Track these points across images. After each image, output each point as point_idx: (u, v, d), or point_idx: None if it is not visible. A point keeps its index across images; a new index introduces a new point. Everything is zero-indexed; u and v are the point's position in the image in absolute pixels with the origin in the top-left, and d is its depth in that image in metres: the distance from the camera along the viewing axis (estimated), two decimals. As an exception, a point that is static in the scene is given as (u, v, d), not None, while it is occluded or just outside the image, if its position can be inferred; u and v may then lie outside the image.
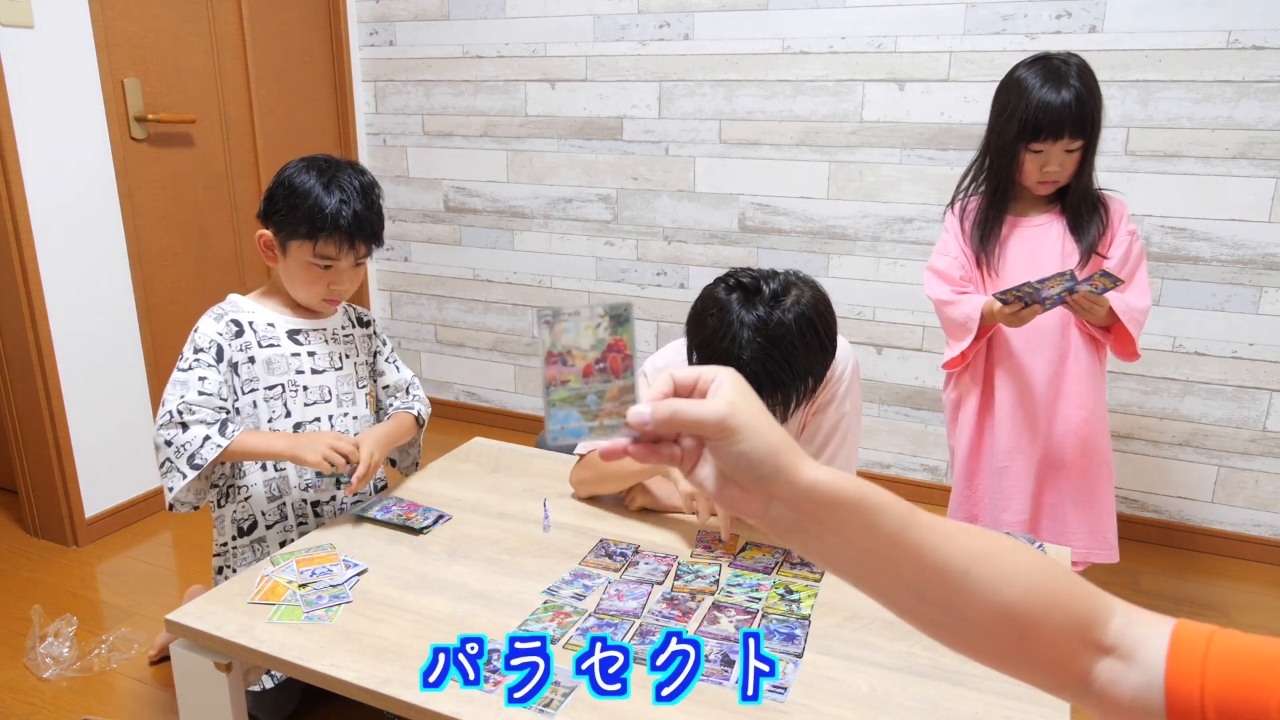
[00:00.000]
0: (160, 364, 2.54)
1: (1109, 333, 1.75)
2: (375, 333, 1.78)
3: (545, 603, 1.29)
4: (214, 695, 1.25)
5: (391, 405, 1.78)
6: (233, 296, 1.63)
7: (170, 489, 1.48)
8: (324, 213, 1.50)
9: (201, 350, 1.53)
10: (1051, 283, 1.58)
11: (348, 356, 1.69)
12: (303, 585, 1.32)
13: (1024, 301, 1.63)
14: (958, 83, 2.39)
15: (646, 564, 1.40)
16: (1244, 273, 2.24)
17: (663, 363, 1.54)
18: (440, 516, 1.54)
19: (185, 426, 1.47)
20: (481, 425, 3.24)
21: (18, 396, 2.31)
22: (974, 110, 2.38)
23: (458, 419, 3.36)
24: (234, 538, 1.62)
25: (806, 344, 1.26)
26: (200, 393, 1.49)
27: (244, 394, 1.57)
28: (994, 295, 1.68)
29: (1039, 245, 1.77)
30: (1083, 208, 1.74)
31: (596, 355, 0.60)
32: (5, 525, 2.49)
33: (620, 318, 0.61)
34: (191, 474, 1.46)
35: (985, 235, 1.80)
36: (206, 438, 1.46)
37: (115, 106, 2.34)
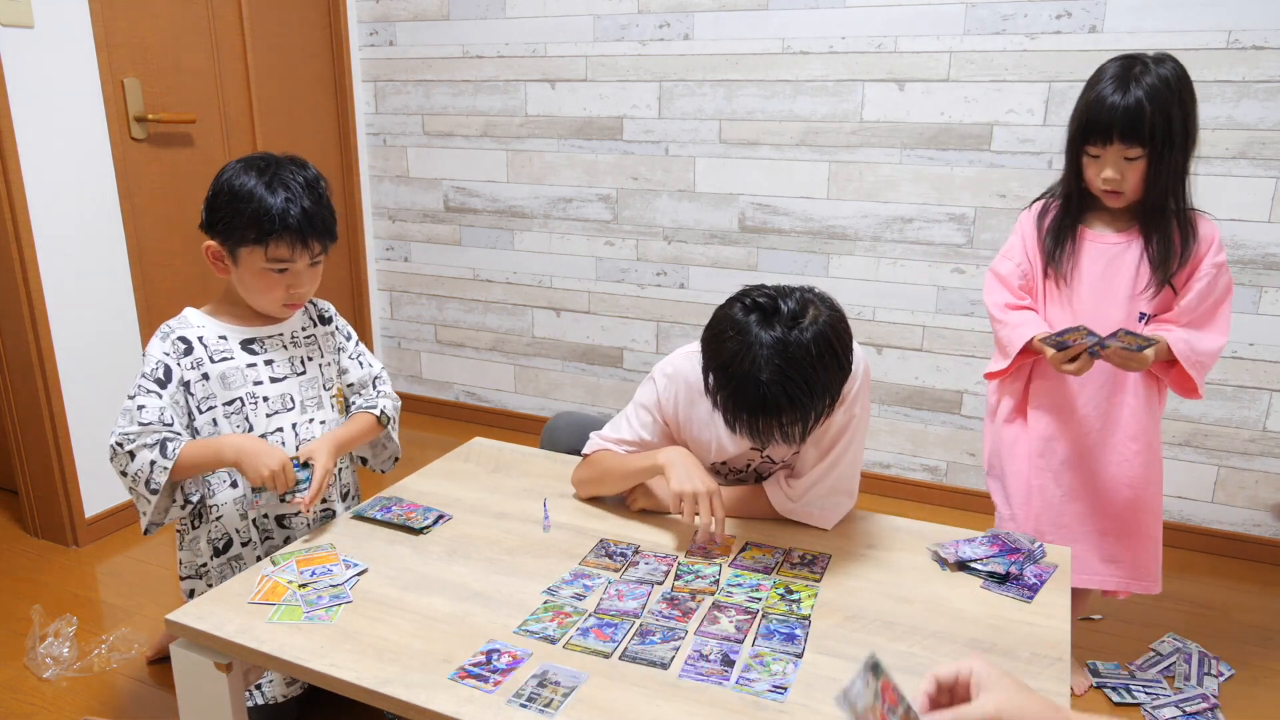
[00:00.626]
0: (160, 364, 2.54)
1: (1170, 367, 1.62)
2: (338, 328, 1.71)
3: (545, 603, 1.29)
4: (214, 695, 1.25)
5: (354, 404, 1.71)
6: (186, 311, 1.55)
7: (143, 513, 1.46)
8: (271, 214, 1.43)
9: (145, 375, 1.47)
10: (1072, 335, 1.51)
11: (310, 359, 1.62)
12: (303, 585, 1.32)
13: (1059, 347, 1.54)
14: (958, 83, 2.39)
15: (646, 564, 1.40)
16: (1244, 273, 2.24)
17: (672, 370, 1.53)
18: (440, 516, 1.54)
19: (132, 455, 1.42)
20: (481, 425, 3.24)
21: (18, 396, 2.31)
22: (974, 110, 2.39)
23: (458, 419, 3.36)
24: (211, 557, 1.58)
25: (825, 364, 1.25)
26: (139, 423, 1.43)
27: (201, 412, 1.51)
28: (1035, 339, 1.60)
29: (1112, 266, 1.63)
30: (1156, 229, 1.58)
31: (879, 701, 0.79)
32: (5, 525, 2.49)
33: (876, 667, 0.81)
34: (154, 498, 1.43)
35: (1057, 244, 1.66)
36: (152, 462, 1.42)
37: (115, 106, 2.34)
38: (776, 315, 1.25)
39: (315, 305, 1.69)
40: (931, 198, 2.49)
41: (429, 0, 3.00)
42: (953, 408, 2.61)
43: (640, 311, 2.95)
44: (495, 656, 1.15)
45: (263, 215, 1.43)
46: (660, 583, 1.35)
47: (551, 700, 1.07)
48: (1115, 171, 1.54)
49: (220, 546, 1.57)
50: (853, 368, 1.37)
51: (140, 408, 1.44)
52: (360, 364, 1.73)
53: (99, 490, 2.41)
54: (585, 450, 1.60)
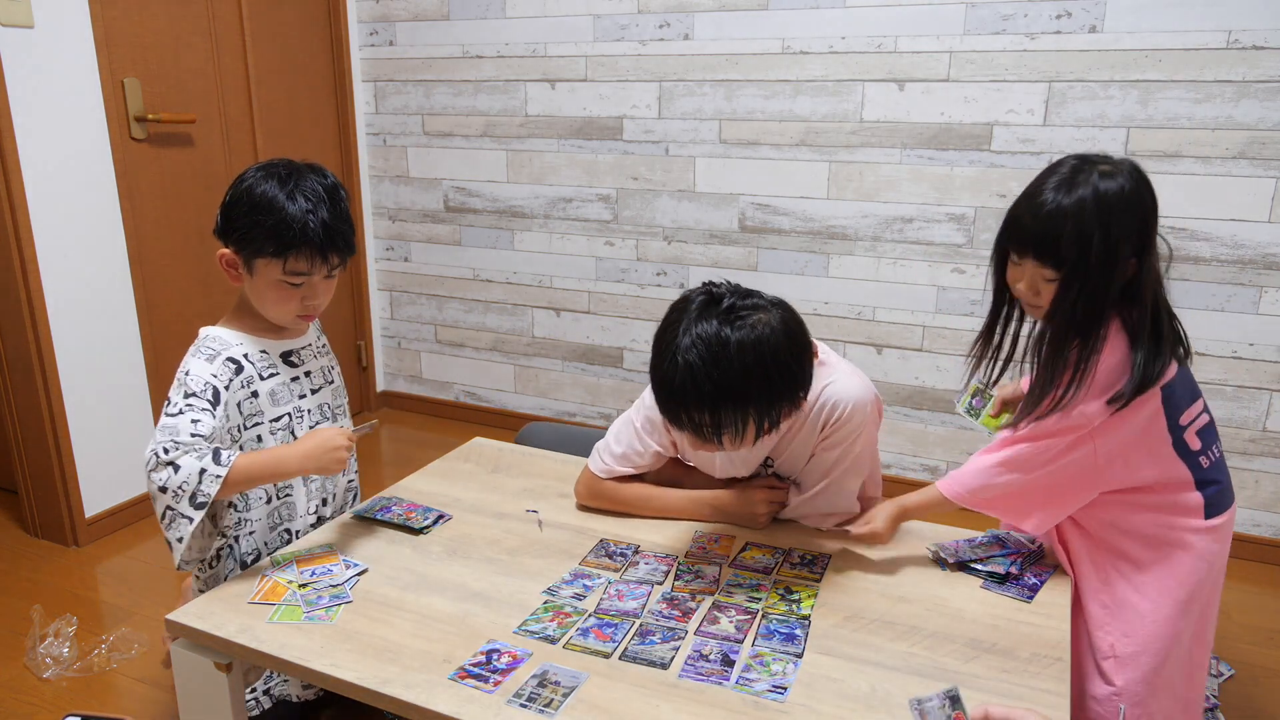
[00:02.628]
0: (160, 364, 2.54)
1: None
2: (334, 361, 1.68)
3: (545, 603, 1.29)
4: (214, 695, 1.25)
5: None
6: (208, 331, 1.47)
7: (179, 539, 1.31)
8: (291, 227, 1.37)
9: (194, 394, 1.36)
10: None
11: (334, 368, 1.62)
12: (303, 585, 1.32)
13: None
14: (958, 83, 2.39)
15: (646, 564, 1.40)
16: (1244, 273, 2.24)
17: (650, 399, 1.48)
18: (440, 516, 1.54)
19: (176, 466, 1.29)
20: (481, 425, 3.24)
21: (18, 396, 2.31)
22: (974, 110, 2.39)
23: (458, 419, 3.36)
24: (237, 569, 1.52)
25: (748, 371, 1.18)
26: (192, 434, 1.32)
27: (246, 429, 1.44)
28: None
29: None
30: (1043, 359, 1.30)
31: None
32: (5, 525, 2.49)
33: (956, 700, 0.90)
34: (198, 515, 1.30)
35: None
36: (203, 470, 1.29)
37: (115, 106, 2.34)
38: (718, 306, 1.22)
39: (322, 333, 1.68)
40: (931, 198, 2.49)
41: (429, 0, 3.00)
42: (952, 408, 2.61)
43: (640, 311, 2.95)
44: (495, 656, 1.15)
45: (283, 227, 1.37)
46: (660, 583, 1.35)
47: (551, 700, 1.07)
48: (1028, 287, 1.31)
49: (248, 560, 1.50)
50: (840, 403, 1.36)
51: (195, 420, 1.34)
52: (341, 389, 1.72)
53: (99, 490, 2.41)
54: (594, 468, 1.56)
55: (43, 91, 2.18)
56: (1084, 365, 1.25)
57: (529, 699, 1.07)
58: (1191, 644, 1.37)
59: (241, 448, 1.43)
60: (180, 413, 1.34)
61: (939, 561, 1.41)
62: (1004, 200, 2.41)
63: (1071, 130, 2.31)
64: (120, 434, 2.45)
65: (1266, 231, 2.20)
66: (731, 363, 1.18)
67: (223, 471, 1.30)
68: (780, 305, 1.26)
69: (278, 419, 1.48)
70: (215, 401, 1.37)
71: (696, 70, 2.68)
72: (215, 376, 1.39)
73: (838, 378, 1.39)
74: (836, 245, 2.63)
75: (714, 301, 1.23)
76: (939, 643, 1.20)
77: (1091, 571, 1.37)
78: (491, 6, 2.90)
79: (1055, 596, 1.31)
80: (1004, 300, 1.40)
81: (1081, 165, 1.26)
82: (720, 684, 1.11)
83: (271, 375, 1.47)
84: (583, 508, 1.59)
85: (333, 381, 1.60)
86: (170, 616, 1.24)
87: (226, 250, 1.45)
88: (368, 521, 1.53)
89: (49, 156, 2.21)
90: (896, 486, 2.73)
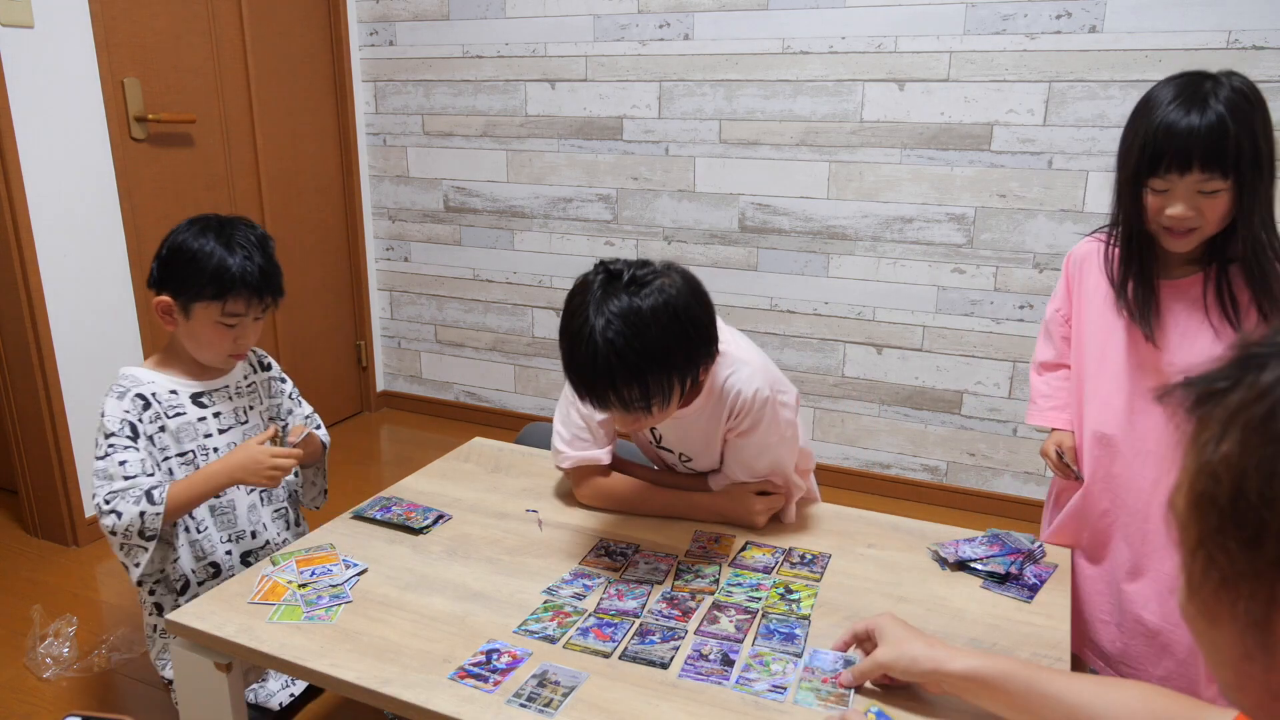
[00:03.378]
0: (160, 364, 2.54)
1: None
2: (274, 375, 1.78)
3: (545, 603, 1.29)
4: (214, 695, 1.25)
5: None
6: (126, 370, 1.59)
7: (137, 565, 1.48)
8: (230, 272, 1.50)
9: (113, 434, 1.51)
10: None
11: (251, 408, 1.69)
12: (303, 585, 1.32)
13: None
14: (958, 83, 2.39)
15: (646, 564, 1.40)
16: (1244, 273, 2.24)
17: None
18: (440, 516, 1.54)
19: (118, 514, 1.46)
20: (481, 425, 3.24)
21: (18, 396, 2.31)
22: (974, 110, 2.39)
23: (458, 419, 3.36)
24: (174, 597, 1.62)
25: (666, 333, 1.21)
26: (124, 477, 1.48)
27: (165, 458, 1.57)
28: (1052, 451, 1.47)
29: (1194, 309, 1.36)
30: (1248, 267, 1.30)
31: None
32: (5, 525, 2.49)
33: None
34: (151, 545, 1.47)
35: (1138, 300, 1.39)
36: (142, 513, 1.45)
37: (115, 106, 2.34)
38: (620, 280, 1.24)
39: (255, 353, 1.76)
40: (931, 198, 2.49)
41: (429, 0, 3.00)
42: (953, 408, 2.61)
43: (640, 311, 2.95)
44: (495, 656, 1.15)
45: (223, 273, 1.50)
46: (660, 582, 1.34)
47: (551, 700, 1.07)
48: (1188, 207, 1.26)
49: (179, 588, 1.61)
50: (743, 392, 1.36)
51: (122, 463, 1.49)
52: (299, 403, 1.80)
53: (99, 490, 2.41)
54: (559, 464, 1.57)
55: (43, 91, 2.18)
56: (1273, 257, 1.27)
57: (529, 699, 1.07)
58: None
59: (170, 472, 1.56)
60: (106, 455, 1.50)
61: (939, 561, 1.40)
62: (1004, 200, 2.41)
63: (1071, 130, 2.31)
64: (120, 434, 2.45)
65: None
66: (650, 329, 1.20)
67: (160, 509, 1.45)
68: (675, 268, 1.30)
69: (182, 454, 1.59)
70: (134, 435, 1.52)
71: (696, 70, 2.68)
72: (127, 412, 1.53)
73: (738, 368, 1.40)
74: (836, 245, 2.63)
75: (614, 277, 1.25)
76: (939, 643, 1.19)
77: None
78: (491, 6, 2.90)
79: (1055, 596, 1.31)
80: (1138, 238, 1.36)
81: (1200, 78, 1.26)
82: (720, 684, 1.11)
83: (177, 415, 1.58)
84: (583, 506, 1.59)
85: (246, 421, 1.67)
86: (170, 616, 1.24)
87: (163, 298, 1.56)
88: (368, 521, 1.53)
89: (49, 156, 2.21)
90: (897, 486, 2.73)
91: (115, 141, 2.35)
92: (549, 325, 3.13)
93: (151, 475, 1.50)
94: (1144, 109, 1.30)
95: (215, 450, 1.61)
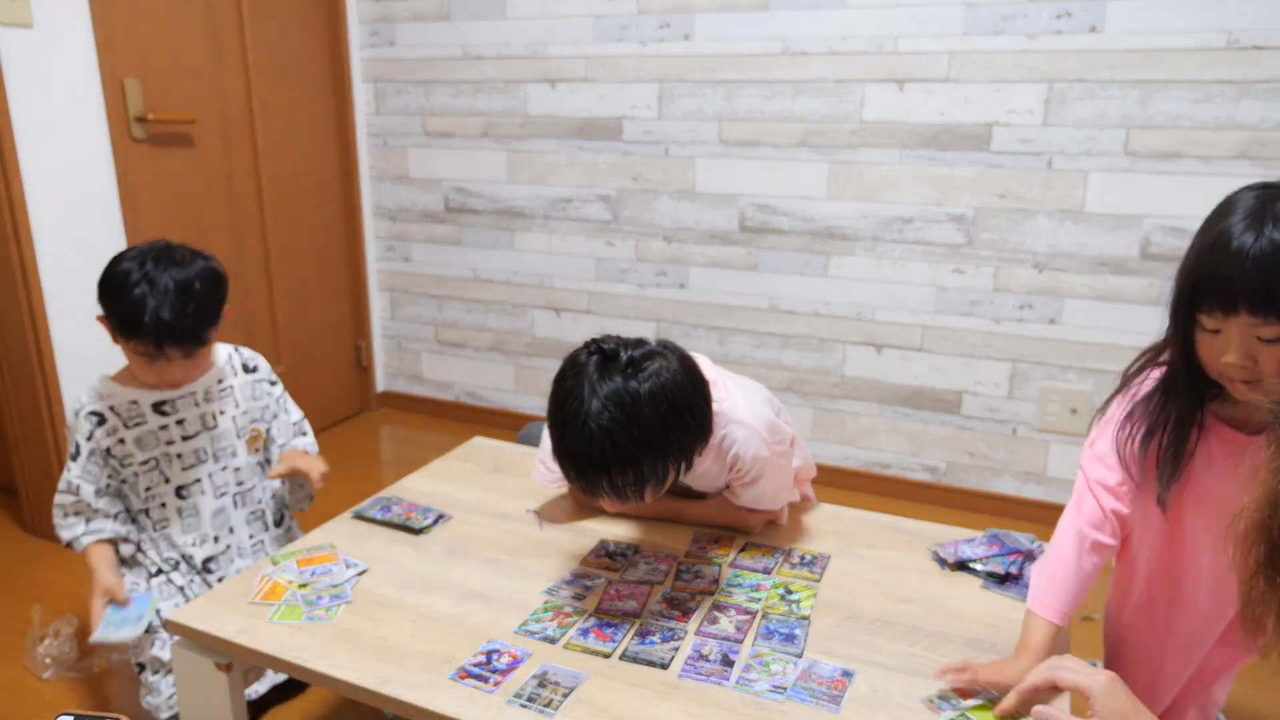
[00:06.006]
0: (160, 364, 2.54)
1: None
2: (261, 377, 1.76)
3: (545, 603, 1.29)
4: (214, 695, 1.25)
5: (286, 444, 1.77)
6: (96, 382, 1.63)
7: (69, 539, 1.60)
8: (139, 320, 1.48)
9: (69, 455, 1.60)
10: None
11: (223, 412, 1.69)
12: (303, 585, 1.32)
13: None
14: (958, 83, 2.39)
15: (646, 564, 1.40)
16: (1244, 273, 2.24)
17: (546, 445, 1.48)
18: (440, 516, 1.54)
19: (61, 526, 1.60)
20: (481, 425, 3.24)
21: (18, 396, 2.31)
22: (974, 110, 2.39)
23: (458, 419, 3.36)
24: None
25: (664, 420, 1.17)
26: (59, 489, 1.59)
27: (124, 467, 1.61)
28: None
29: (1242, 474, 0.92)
30: None
31: None
32: (5, 525, 2.49)
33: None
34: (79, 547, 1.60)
35: (1165, 451, 1.13)
36: (70, 542, 1.60)
37: (115, 106, 2.34)
38: (616, 362, 1.19)
39: (240, 354, 1.75)
40: (931, 198, 2.49)
41: (429, 0, 3.00)
42: (953, 408, 2.61)
43: (640, 312, 2.95)
44: (495, 656, 1.15)
45: (127, 315, 1.49)
46: (660, 583, 1.35)
47: (551, 700, 1.07)
48: (1242, 354, 1.00)
49: (153, 572, 1.67)
50: (740, 450, 1.35)
51: (65, 479, 1.60)
52: (287, 410, 1.79)
53: (99, 490, 2.41)
54: (540, 479, 1.56)
55: (43, 91, 2.18)
56: None
57: (529, 699, 1.07)
58: None
59: (124, 481, 1.63)
60: (67, 468, 1.59)
61: (939, 561, 1.41)
62: (1004, 200, 2.41)
63: (1071, 130, 2.31)
64: (120, 434, 2.45)
65: (1266, 231, 2.20)
66: (646, 416, 1.16)
67: (79, 549, 1.59)
68: (670, 347, 1.26)
69: (145, 461, 1.62)
70: (76, 454, 1.59)
71: (697, 70, 2.68)
72: (77, 431, 1.59)
73: (733, 429, 1.36)
74: (836, 245, 2.63)
75: (609, 359, 1.20)
76: (939, 643, 1.20)
77: None
78: (491, 6, 2.90)
79: (1055, 596, 1.31)
80: (1195, 382, 1.10)
81: (1268, 195, 1.00)
82: (720, 684, 1.11)
83: (138, 424, 1.61)
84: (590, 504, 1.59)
85: (215, 426, 1.68)
86: (170, 616, 1.24)
87: (101, 315, 1.59)
88: (368, 521, 1.53)
89: (49, 156, 2.21)
90: (897, 486, 2.73)
91: (115, 141, 2.35)
92: (549, 325, 3.13)
93: (76, 492, 1.58)
94: (1214, 216, 1.04)
95: (180, 456, 1.64)
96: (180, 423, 1.65)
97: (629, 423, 1.15)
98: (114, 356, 2.41)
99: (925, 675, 1.12)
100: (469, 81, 3.01)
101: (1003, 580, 1.34)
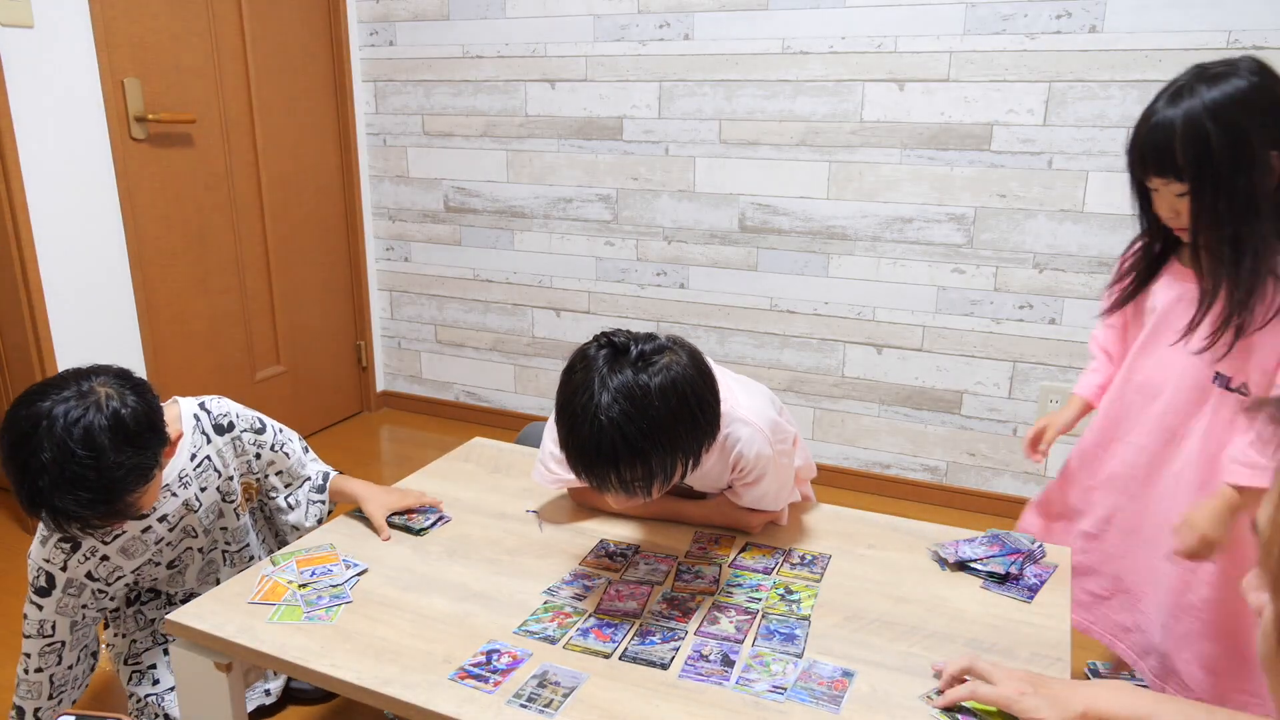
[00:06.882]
0: (160, 364, 2.54)
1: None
2: (243, 432, 1.53)
3: (545, 603, 1.29)
4: (214, 695, 1.25)
5: (307, 481, 1.62)
6: None
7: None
8: (21, 498, 1.19)
9: (31, 583, 1.40)
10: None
11: (204, 489, 1.49)
12: (303, 585, 1.32)
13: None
14: (958, 83, 2.39)
15: (646, 564, 1.40)
16: (1244, 273, 2.24)
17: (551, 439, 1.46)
18: (440, 517, 1.54)
19: (28, 669, 1.44)
20: (481, 425, 3.24)
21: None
22: (974, 110, 2.39)
23: (458, 419, 3.36)
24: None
25: (674, 415, 1.16)
26: (24, 634, 1.42)
27: (111, 584, 1.45)
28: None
29: (1179, 311, 1.36)
30: (1216, 278, 1.27)
31: None
32: (5, 525, 2.49)
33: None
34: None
35: (1133, 279, 1.44)
36: (37, 709, 1.46)
37: (115, 106, 2.34)
38: (626, 355, 1.18)
39: (209, 414, 1.50)
40: (931, 198, 2.49)
41: (429, 0, 3.00)
42: (953, 408, 2.61)
43: (640, 311, 2.95)
44: (495, 657, 1.15)
45: (18, 494, 1.19)
46: (660, 583, 1.35)
47: (551, 700, 1.07)
48: (1169, 209, 1.30)
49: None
50: (744, 449, 1.34)
51: (25, 616, 1.42)
52: (286, 453, 1.59)
53: (99, 490, 2.41)
54: (540, 479, 1.54)
55: (43, 91, 2.18)
56: (1261, 273, 1.22)
57: (529, 699, 1.07)
58: None
59: (112, 598, 1.48)
60: (33, 605, 1.41)
61: (939, 561, 1.41)
62: (1004, 200, 2.41)
63: (1072, 130, 2.31)
64: (120, 434, 2.45)
65: (1266, 231, 2.20)
66: (657, 410, 1.14)
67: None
68: (680, 343, 1.25)
69: (138, 569, 1.49)
70: (50, 586, 1.39)
71: (696, 70, 2.68)
72: (48, 561, 1.38)
73: (738, 428, 1.37)
74: (836, 245, 2.63)
75: (619, 352, 1.19)
76: (939, 643, 1.20)
77: None
78: (491, 6, 2.90)
79: (1055, 596, 1.31)
80: (1152, 230, 1.41)
81: (1194, 75, 1.24)
82: (720, 684, 1.11)
83: (118, 536, 1.42)
84: (587, 505, 1.59)
85: (199, 506, 1.49)
86: (170, 616, 1.24)
87: None
88: (368, 522, 1.53)
89: (49, 156, 2.21)
90: (897, 486, 2.73)
91: (115, 141, 2.35)
92: (549, 325, 3.13)
93: (50, 635, 1.42)
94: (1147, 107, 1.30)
95: (170, 545, 1.49)
96: (163, 519, 1.45)
97: (639, 416, 1.14)
98: (114, 355, 2.41)
99: (925, 675, 1.12)
100: (469, 81, 3.01)
101: (1003, 580, 1.34)
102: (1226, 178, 1.21)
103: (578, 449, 1.18)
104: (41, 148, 2.19)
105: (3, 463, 1.20)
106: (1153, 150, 1.25)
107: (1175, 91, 1.24)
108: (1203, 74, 1.24)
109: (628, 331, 1.24)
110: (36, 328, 2.22)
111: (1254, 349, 1.28)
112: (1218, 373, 1.33)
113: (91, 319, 2.36)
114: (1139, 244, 1.45)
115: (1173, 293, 1.38)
